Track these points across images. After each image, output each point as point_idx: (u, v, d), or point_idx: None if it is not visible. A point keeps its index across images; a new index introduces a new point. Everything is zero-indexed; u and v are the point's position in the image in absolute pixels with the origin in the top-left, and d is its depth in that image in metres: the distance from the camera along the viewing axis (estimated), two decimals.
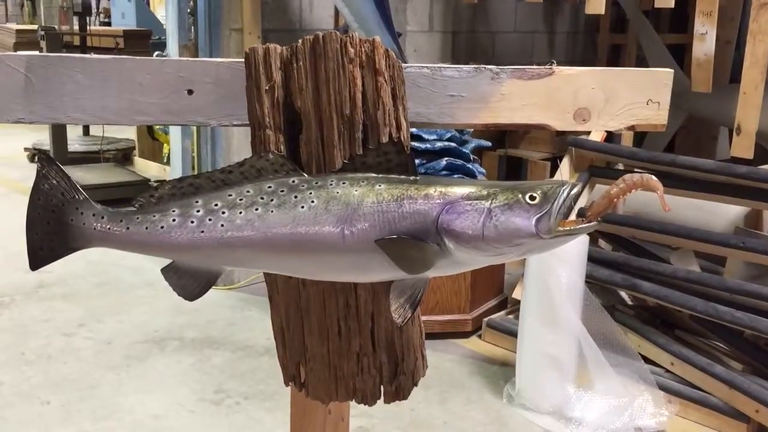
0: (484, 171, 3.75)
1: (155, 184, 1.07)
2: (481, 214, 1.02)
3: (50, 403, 2.83)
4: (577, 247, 2.81)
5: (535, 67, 1.24)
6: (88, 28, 6.69)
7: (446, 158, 3.46)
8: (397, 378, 1.19)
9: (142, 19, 9.24)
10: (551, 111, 1.25)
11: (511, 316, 3.53)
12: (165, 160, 6.26)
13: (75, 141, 6.72)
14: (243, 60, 1.14)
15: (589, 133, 3.72)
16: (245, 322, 3.60)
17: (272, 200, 1.05)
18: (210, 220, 1.05)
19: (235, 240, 1.04)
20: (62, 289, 3.92)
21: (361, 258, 1.04)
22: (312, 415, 1.30)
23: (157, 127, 6.27)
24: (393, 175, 1.07)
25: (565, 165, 3.60)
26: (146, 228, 1.05)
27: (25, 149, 6.94)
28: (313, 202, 1.05)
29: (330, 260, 1.05)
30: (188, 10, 4.23)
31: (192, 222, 1.05)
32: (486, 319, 3.47)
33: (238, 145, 3.85)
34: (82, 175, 5.65)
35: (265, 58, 1.11)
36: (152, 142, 6.64)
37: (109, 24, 9.86)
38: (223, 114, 1.18)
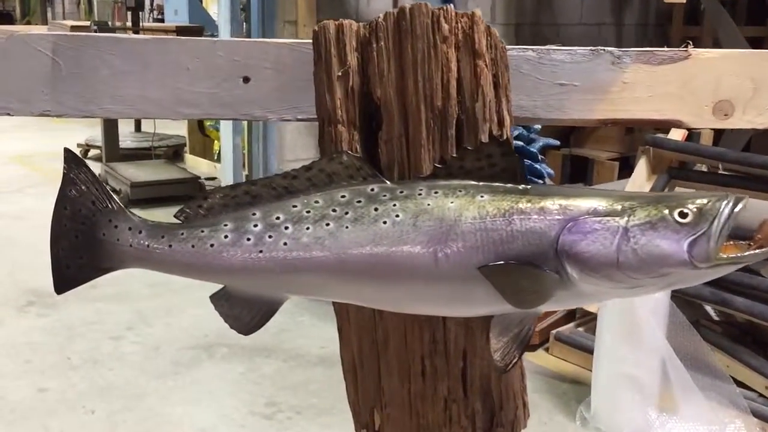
0: (552, 172, 3.50)
1: (208, 188, 0.87)
2: (615, 235, 0.79)
3: (95, 413, 2.69)
4: None
5: (666, 49, 1.00)
6: (140, 23, 6.61)
7: None
8: (493, 430, 0.98)
9: (195, 15, 9.18)
10: (685, 104, 1.01)
11: (581, 329, 3.28)
12: (216, 157, 6.14)
13: (126, 137, 6.66)
14: (310, 41, 0.94)
15: (668, 131, 3.45)
16: (298, 329, 3.42)
17: (347, 213, 0.84)
18: (270, 237, 0.85)
19: (301, 262, 0.84)
20: (113, 288, 3.79)
21: (458, 288, 0.83)
22: None
23: (208, 123, 6.17)
24: (497, 183, 0.85)
25: (641, 166, 3.32)
26: (192, 246, 0.86)
27: (78, 145, 6.91)
28: (398, 216, 0.83)
29: (418, 290, 0.84)
30: (240, 6, 4.08)
31: (248, 239, 0.85)
32: (554, 332, 3.23)
33: (291, 142, 3.67)
34: (133, 172, 5.57)
35: (337, 37, 0.91)
36: (203, 139, 6.54)
37: (162, 20, 9.85)
38: (286, 106, 0.98)
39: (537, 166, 3.32)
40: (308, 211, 0.85)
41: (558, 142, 3.76)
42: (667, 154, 3.28)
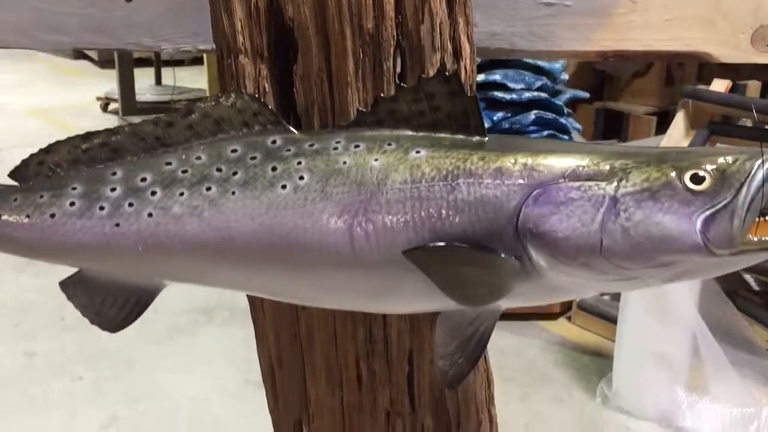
0: (579, 127, 3.23)
1: (47, 145, 0.65)
2: (598, 207, 0.56)
3: (82, 379, 2.55)
4: None
5: None
6: None
7: (535, 111, 2.95)
8: None
9: None
10: (714, 31, 0.76)
11: (606, 297, 3.04)
12: None
13: (146, 90, 6.50)
14: None
15: (710, 82, 3.14)
16: None
17: (235, 174, 0.63)
18: (131, 205, 0.63)
19: (171, 240, 0.62)
20: None
21: (383, 277, 0.61)
22: None
23: None
24: (443, 135, 0.62)
25: (679, 120, 3.02)
26: (28, 216, 0.65)
27: (98, 98, 6.77)
28: (302, 178, 0.61)
29: (329, 279, 0.62)
30: None
31: (101, 208, 0.64)
32: (577, 300, 2.99)
33: None
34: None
35: None
36: None
37: None
38: (183, 32, 0.76)
39: (562, 120, 3.05)
40: (185, 171, 0.63)
41: (587, 95, 3.47)
42: (708, 108, 2.98)
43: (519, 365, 2.67)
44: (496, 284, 0.59)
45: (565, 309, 3.03)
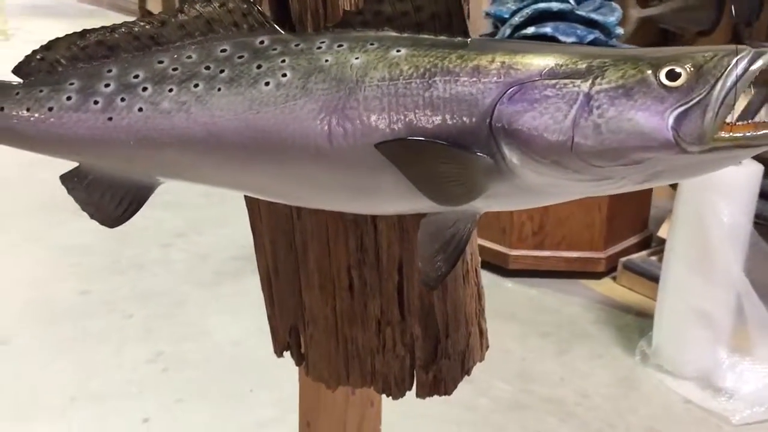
0: None
1: (47, 42, 0.68)
2: (571, 105, 0.56)
3: (132, 317, 2.66)
4: (745, 176, 2.21)
5: None
6: None
7: None
8: (436, 362, 0.78)
9: None
10: None
11: (654, 258, 2.99)
12: None
13: None
14: None
15: None
16: None
17: (222, 72, 0.64)
18: (123, 100, 0.66)
19: (160, 134, 0.65)
20: (167, 196, 3.74)
21: (361, 174, 0.62)
22: (326, 396, 0.92)
23: None
24: (425, 35, 0.63)
25: None
26: (28, 110, 0.68)
27: None
28: (284, 75, 0.63)
29: (310, 175, 0.63)
30: None
31: (96, 103, 0.66)
32: (623, 260, 2.95)
33: None
34: None
35: None
36: None
37: None
38: None
39: None
40: (175, 69, 0.65)
41: None
42: None
43: (558, 322, 2.66)
44: (470, 183, 0.59)
45: (611, 269, 2.99)
